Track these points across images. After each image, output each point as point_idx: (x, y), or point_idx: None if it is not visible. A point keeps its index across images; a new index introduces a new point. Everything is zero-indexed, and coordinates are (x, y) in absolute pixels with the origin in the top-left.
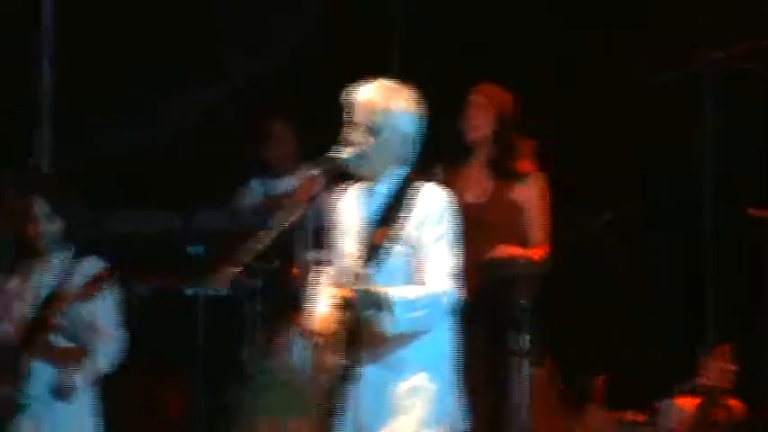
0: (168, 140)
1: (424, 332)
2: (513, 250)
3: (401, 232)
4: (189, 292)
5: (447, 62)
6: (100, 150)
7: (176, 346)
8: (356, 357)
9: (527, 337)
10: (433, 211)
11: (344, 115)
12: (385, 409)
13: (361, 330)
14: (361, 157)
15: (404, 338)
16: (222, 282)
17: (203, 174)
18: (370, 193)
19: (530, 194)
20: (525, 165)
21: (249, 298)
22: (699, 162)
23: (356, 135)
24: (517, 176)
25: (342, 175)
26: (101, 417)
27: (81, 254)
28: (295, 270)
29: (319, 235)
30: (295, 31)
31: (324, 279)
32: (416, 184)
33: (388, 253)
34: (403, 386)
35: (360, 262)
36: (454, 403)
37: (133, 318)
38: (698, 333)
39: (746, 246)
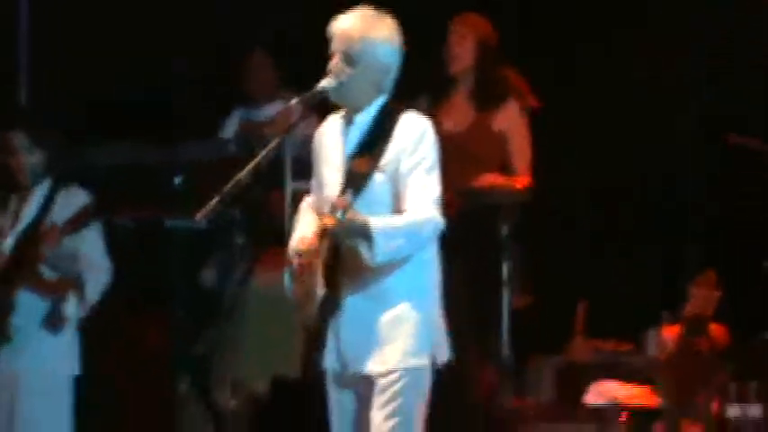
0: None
1: (407, 261)
2: (496, 179)
3: (381, 161)
4: (169, 223)
5: None
6: (81, 84)
7: (157, 278)
8: (337, 287)
9: (508, 265)
10: (412, 138)
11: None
12: (368, 340)
13: (342, 260)
14: (340, 86)
15: (386, 268)
16: (201, 214)
17: (187, 106)
18: (351, 122)
19: (510, 124)
20: (507, 93)
21: (228, 228)
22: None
23: (336, 65)
24: (497, 105)
25: (326, 107)
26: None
27: (62, 184)
28: (274, 199)
29: (298, 164)
30: None
31: (305, 207)
32: (396, 113)
33: (368, 182)
34: (386, 316)
35: (341, 191)
36: (438, 332)
37: (115, 249)
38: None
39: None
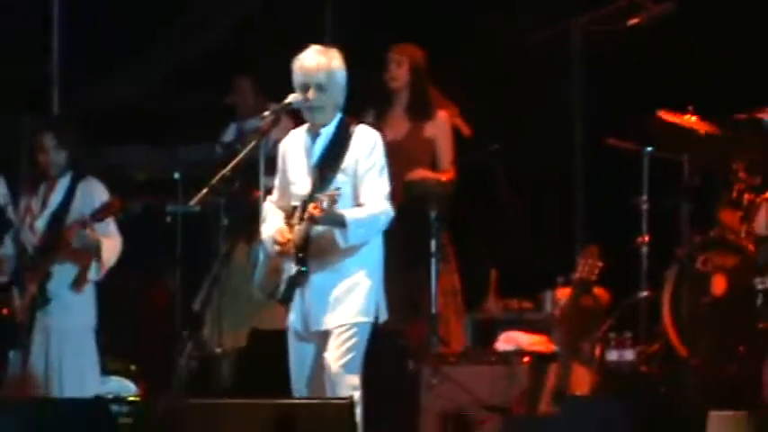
0: (156, 91)
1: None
2: (425, 173)
3: (342, 164)
4: (170, 209)
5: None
6: (102, 98)
7: (160, 252)
8: (305, 264)
9: (435, 242)
10: (366, 147)
11: (297, 78)
12: (329, 302)
13: (311, 244)
14: (315, 110)
15: (347, 249)
16: (195, 200)
17: (186, 117)
18: (318, 134)
19: (438, 131)
20: (434, 107)
21: (215, 214)
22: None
23: (311, 94)
24: (428, 117)
25: (296, 121)
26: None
27: (82, 177)
28: (254, 192)
29: (270, 162)
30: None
31: (270, 205)
32: (352, 125)
33: (333, 181)
34: (344, 284)
35: (311, 189)
36: (381, 297)
37: (127, 228)
38: (572, 235)
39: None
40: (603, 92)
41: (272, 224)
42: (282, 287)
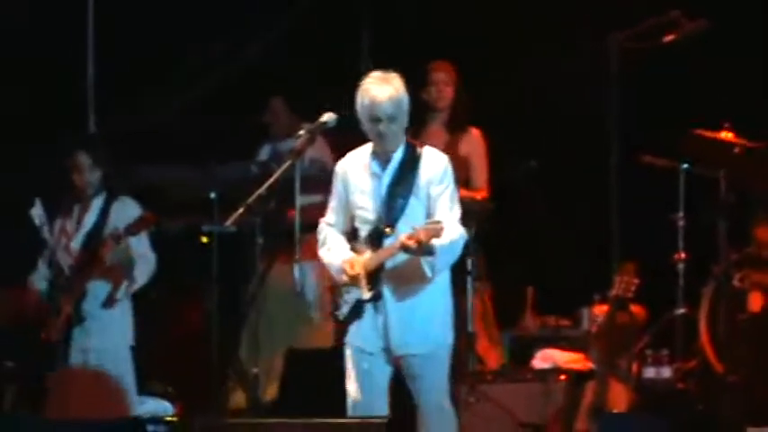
0: (194, 112)
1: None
2: (461, 192)
3: (415, 188)
4: (205, 228)
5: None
6: (137, 117)
7: (196, 272)
8: (377, 289)
9: (472, 260)
10: (438, 170)
11: (365, 110)
12: (411, 326)
13: (386, 269)
14: (388, 138)
15: (423, 278)
16: (230, 220)
17: (223, 137)
18: (388, 160)
19: (472, 148)
20: (468, 122)
21: (251, 233)
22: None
23: (385, 127)
24: (463, 131)
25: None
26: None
27: (116, 196)
28: (290, 211)
29: (307, 181)
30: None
31: (331, 230)
32: (419, 148)
33: (407, 206)
34: (424, 307)
35: (384, 214)
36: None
37: (163, 248)
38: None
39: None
40: (639, 109)
41: (338, 252)
42: (346, 309)
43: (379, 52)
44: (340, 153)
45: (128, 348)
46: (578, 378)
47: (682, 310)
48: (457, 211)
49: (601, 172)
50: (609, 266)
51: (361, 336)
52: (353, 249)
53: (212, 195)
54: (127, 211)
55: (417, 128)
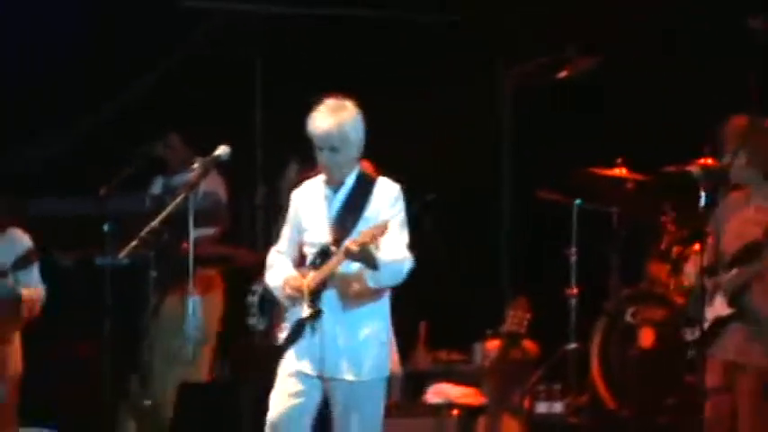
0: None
1: (383, 292)
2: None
3: (365, 214)
4: (98, 261)
5: None
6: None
7: (89, 305)
8: (318, 306)
9: None
10: (389, 197)
11: (312, 137)
12: (346, 351)
13: (329, 286)
14: (332, 168)
15: (362, 298)
16: (124, 253)
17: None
18: (339, 186)
19: None
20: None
21: (144, 266)
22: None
23: (326, 157)
24: None
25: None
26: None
27: (4, 230)
28: (184, 244)
29: (200, 214)
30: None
31: (278, 254)
32: (373, 177)
33: (355, 230)
34: (361, 334)
35: (332, 238)
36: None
37: (56, 280)
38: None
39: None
40: (533, 145)
41: (281, 272)
42: (285, 332)
43: (273, 85)
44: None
45: (16, 380)
46: (471, 413)
47: (574, 345)
48: (405, 238)
49: (493, 206)
50: (501, 301)
51: (298, 358)
52: (300, 274)
53: (105, 227)
54: (14, 244)
55: (310, 164)
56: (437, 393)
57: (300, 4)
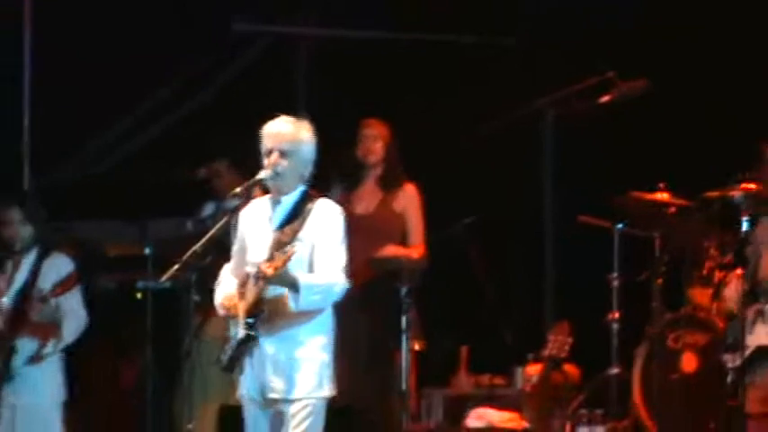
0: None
1: (318, 312)
2: (396, 250)
3: (301, 233)
4: (140, 285)
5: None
6: (75, 169)
7: (131, 328)
8: (255, 329)
9: (406, 318)
10: (326, 218)
11: (263, 143)
12: (283, 370)
13: (262, 306)
14: (276, 175)
15: (299, 317)
16: (165, 277)
17: (159, 195)
18: (279, 203)
19: (407, 203)
20: (404, 180)
21: (186, 289)
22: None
23: (274, 159)
24: (399, 187)
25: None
26: (65, 377)
27: (47, 253)
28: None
29: None
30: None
31: (226, 272)
32: (315, 198)
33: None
34: (298, 353)
35: (270, 252)
36: (331, 372)
37: (97, 305)
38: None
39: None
40: (575, 169)
41: (223, 289)
42: (228, 353)
43: (316, 107)
44: None
45: (58, 406)
46: None
47: (615, 370)
48: (339, 261)
49: (536, 231)
50: (543, 325)
51: (246, 383)
52: (240, 293)
53: (147, 251)
54: (58, 268)
55: (352, 186)
56: (478, 418)
57: (348, 26)
